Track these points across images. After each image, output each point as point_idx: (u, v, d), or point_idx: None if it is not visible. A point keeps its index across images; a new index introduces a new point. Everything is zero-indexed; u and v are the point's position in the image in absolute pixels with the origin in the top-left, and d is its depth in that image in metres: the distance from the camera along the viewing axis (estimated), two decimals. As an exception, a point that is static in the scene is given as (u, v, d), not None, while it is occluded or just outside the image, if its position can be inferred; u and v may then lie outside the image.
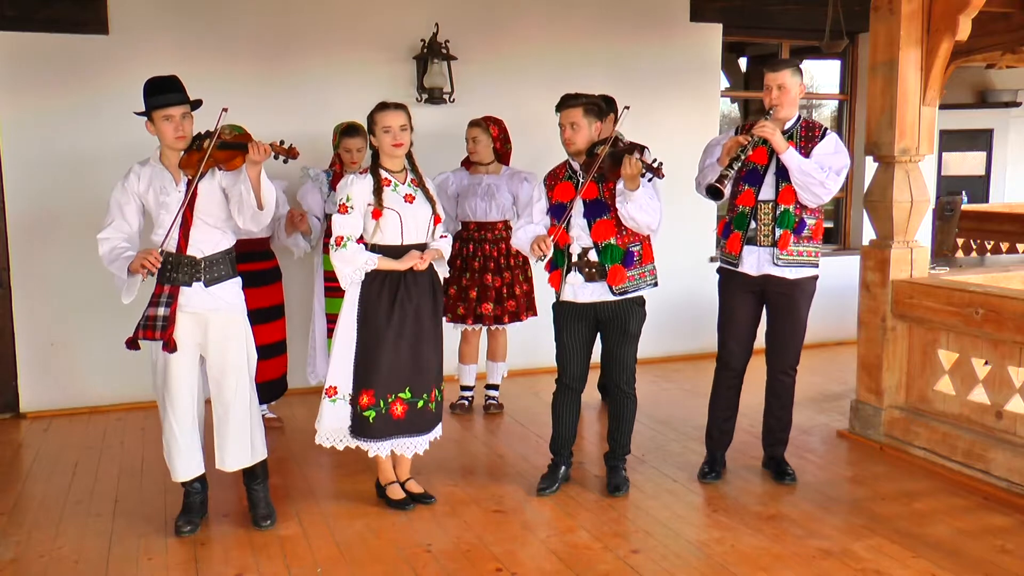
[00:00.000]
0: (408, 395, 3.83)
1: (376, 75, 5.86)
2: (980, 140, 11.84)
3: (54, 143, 5.36)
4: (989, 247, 8.54)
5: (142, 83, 5.34)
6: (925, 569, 3.38)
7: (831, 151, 4.02)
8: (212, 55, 5.47)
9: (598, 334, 4.12)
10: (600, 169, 3.82)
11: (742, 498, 4.09)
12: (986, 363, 4.37)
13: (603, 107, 3.98)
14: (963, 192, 10.22)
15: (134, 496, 4.16)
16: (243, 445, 3.72)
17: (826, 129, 4.10)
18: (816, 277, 4.16)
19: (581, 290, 3.97)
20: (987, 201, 11.36)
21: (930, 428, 4.52)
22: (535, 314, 5.33)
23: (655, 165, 3.66)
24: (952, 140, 11.30)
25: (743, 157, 3.96)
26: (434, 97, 5.89)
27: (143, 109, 3.56)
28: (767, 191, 4.04)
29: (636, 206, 3.80)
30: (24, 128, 5.30)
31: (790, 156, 3.93)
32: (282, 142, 3.58)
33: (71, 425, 5.30)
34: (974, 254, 8.62)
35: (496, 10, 6.16)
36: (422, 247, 3.88)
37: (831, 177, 3.96)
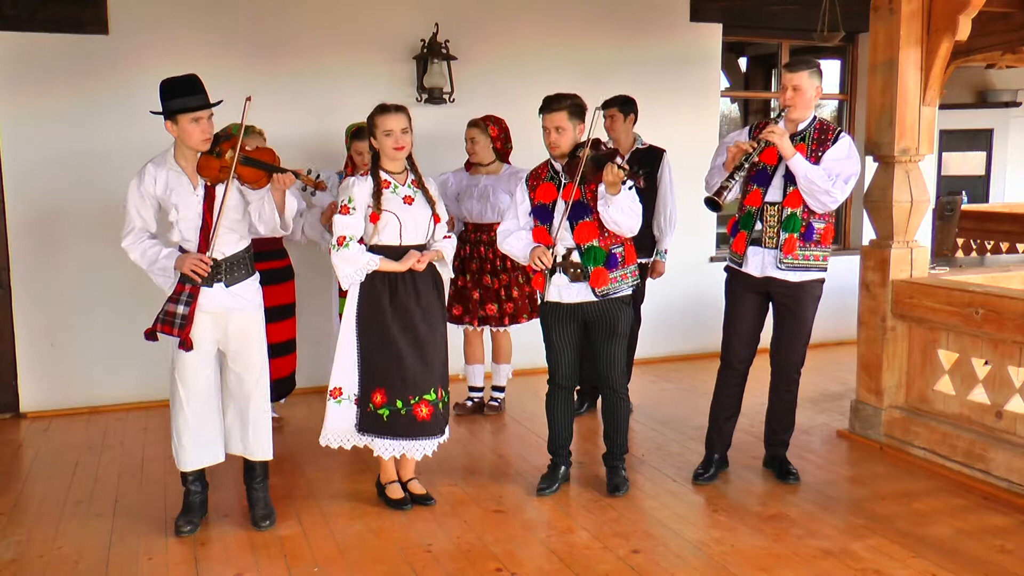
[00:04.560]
0: (433, 396, 3.84)
1: (376, 75, 5.86)
2: (980, 140, 11.83)
3: (54, 143, 5.35)
4: (989, 247, 8.54)
5: (142, 83, 5.43)
6: (925, 569, 3.38)
7: (843, 156, 3.96)
8: (212, 55, 5.46)
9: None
10: (583, 172, 3.84)
11: (742, 498, 4.09)
12: (986, 363, 4.37)
13: (585, 107, 3.96)
14: (963, 192, 10.21)
15: (134, 496, 4.17)
16: (267, 437, 3.79)
17: (840, 132, 4.05)
18: (822, 280, 4.12)
19: (566, 291, 3.97)
20: (987, 201, 11.35)
21: (930, 428, 4.51)
22: (536, 316, 5.31)
23: (637, 172, 3.69)
24: (952, 140, 11.29)
25: (747, 165, 3.94)
26: (434, 97, 5.89)
27: (159, 109, 3.53)
28: (774, 193, 4.02)
29: (617, 209, 3.81)
30: (24, 128, 5.30)
31: (797, 163, 3.90)
32: (309, 171, 3.62)
33: (71, 425, 5.30)
34: (974, 254, 8.62)
35: (496, 10, 6.16)
36: (422, 248, 3.88)
37: (838, 185, 3.90)
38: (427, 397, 3.82)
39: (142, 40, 5.44)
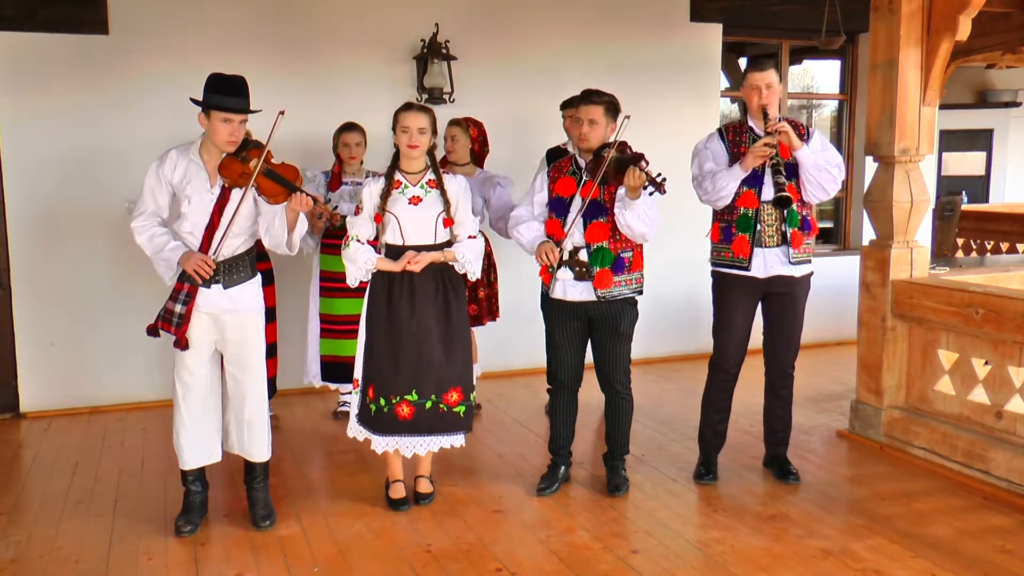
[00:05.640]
0: (414, 397, 3.83)
1: (376, 75, 5.86)
2: (980, 140, 11.82)
3: (54, 143, 5.36)
4: (989, 247, 8.53)
5: (142, 83, 5.45)
6: (925, 569, 3.38)
7: (821, 148, 4.08)
8: (211, 56, 5.44)
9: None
10: (604, 173, 3.84)
11: (742, 498, 4.09)
12: (986, 363, 4.37)
13: (620, 109, 3.98)
14: (963, 192, 10.21)
15: (134, 496, 4.17)
16: (263, 439, 3.79)
17: (809, 127, 4.16)
18: (812, 273, 4.20)
19: (571, 288, 3.97)
20: (987, 201, 11.34)
21: (930, 428, 4.52)
22: (495, 319, 5.33)
23: (659, 180, 3.66)
24: (952, 140, 11.29)
25: (779, 159, 3.97)
26: (434, 97, 5.89)
27: (201, 98, 3.54)
28: (769, 191, 4.04)
29: (634, 215, 3.81)
30: (24, 128, 5.30)
31: (805, 153, 3.96)
32: (328, 200, 3.62)
33: (71, 425, 5.30)
34: (974, 254, 8.61)
35: (496, 10, 6.16)
36: (428, 248, 3.85)
37: (837, 172, 4.04)
38: (408, 397, 3.82)
39: (142, 40, 5.44)
